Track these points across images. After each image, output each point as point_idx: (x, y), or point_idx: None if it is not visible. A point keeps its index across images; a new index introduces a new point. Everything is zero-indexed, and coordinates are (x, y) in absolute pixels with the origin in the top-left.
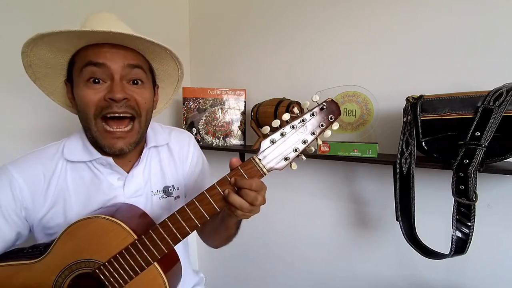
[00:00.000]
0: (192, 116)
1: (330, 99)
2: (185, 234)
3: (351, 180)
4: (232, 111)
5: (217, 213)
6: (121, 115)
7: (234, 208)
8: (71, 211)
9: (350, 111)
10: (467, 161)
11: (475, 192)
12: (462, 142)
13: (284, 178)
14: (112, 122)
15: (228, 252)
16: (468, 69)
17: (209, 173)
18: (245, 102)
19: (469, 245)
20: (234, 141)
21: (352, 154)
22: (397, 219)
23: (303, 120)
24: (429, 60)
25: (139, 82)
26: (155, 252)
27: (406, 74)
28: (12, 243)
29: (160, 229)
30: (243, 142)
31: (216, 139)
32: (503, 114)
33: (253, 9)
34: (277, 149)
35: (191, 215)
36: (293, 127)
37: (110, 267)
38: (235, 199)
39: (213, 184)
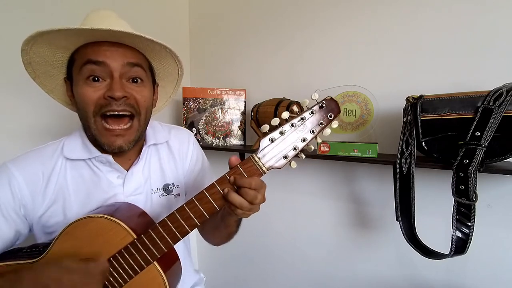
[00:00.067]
0: (192, 116)
1: (329, 97)
2: (184, 233)
3: (351, 180)
4: (232, 111)
5: (217, 212)
6: (120, 113)
7: (234, 207)
8: (71, 209)
9: (350, 111)
10: (467, 161)
11: (475, 192)
12: (462, 142)
13: (284, 178)
14: (111, 120)
15: (228, 252)
16: (468, 69)
17: (209, 171)
18: (245, 102)
19: (469, 245)
20: (234, 141)
21: (352, 154)
22: (397, 219)
23: (302, 119)
24: (429, 60)
25: (139, 80)
26: (154, 251)
27: (406, 74)
28: (12, 242)
29: (160, 228)
30: (243, 142)
31: (216, 139)
32: (503, 114)
33: (253, 9)
34: (277, 148)
35: (191, 214)
36: (292, 125)
37: (109, 267)
38: (235, 198)
39: (213, 183)
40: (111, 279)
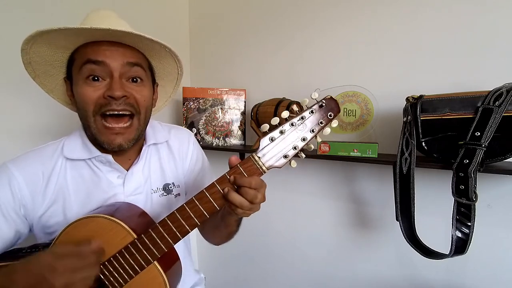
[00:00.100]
0: (192, 116)
1: (329, 97)
2: (185, 233)
3: (351, 180)
4: (232, 111)
5: (217, 212)
6: (120, 112)
7: (234, 206)
8: (71, 209)
9: (350, 111)
10: (467, 161)
11: (475, 192)
12: (462, 142)
13: (284, 177)
14: (111, 119)
15: (228, 252)
16: (468, 69)
17: (209, 170)
18: (245, 102)
19: (469, 245)
20: (234, 141)
21: (352, 154)
22: (397, 219)
23: (302, 118)
24: (429, 60)
25: (139, 80)
26: (155, 251)
27: (406, 74)
28: (12, 242)
29: (160, 228)
30: (243, 142)
31: (216, 139)
32: (503, 114)
33: (253, 9)
34: (277, 147)
35: (191, 213)
36: (292, 124)
37: (110, 267)
38: (235, 197)
39: (213, 182)
40: (112, 279)
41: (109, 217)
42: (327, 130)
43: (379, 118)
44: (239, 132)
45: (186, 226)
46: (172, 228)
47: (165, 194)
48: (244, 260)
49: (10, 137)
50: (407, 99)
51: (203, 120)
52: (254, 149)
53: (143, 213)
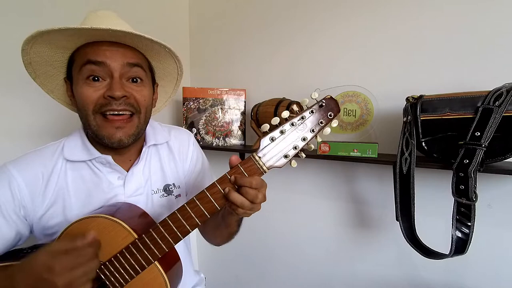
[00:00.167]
0: (192, 116)
1: (329, 96)
2: (185, 233)
3: (351, 180)
4: (232, 111)
5: (218, 211)
6: (120, 112)
7: (235, 206)
8: (71, 210)
9: (350, 111)
10: (467, 161)
11: (475, 192)
12: (462, 142)
13: (285, 177)
14: (111, 117)
15: (228, 252)
16: (468, 69)
17: (209, 171)
18: (245, 102)
19: (469, 245)
20: (234, 141)
21: (352, 154)
22: (397, 219)
23: (302, 118)
24: (429, 60)
25: (139, 80)
26: (155, 251)
27: (406, 74)
28: (13, 243)
29: (161, 228)
30: (243, 142)
31: (216, 139)
32: (503, 114)
33: (253, 9)
34: (277, 147)
35: (192, 213)
36: (292, 124)
37: (110, 267)
38: (236, 197)
39: (213, 182)
40: (112, 279)
41: (110, 217)
42: (327, 130)
43: (379, 118)
44: (239, 132)
45: (187, 226)
46: (173, 228)
47: (165, 195)
48: (244, 260)
49: (10, 137)
50: (407, 99)
51: (203, 120)
52: (254, 149)
53: (144, 214)
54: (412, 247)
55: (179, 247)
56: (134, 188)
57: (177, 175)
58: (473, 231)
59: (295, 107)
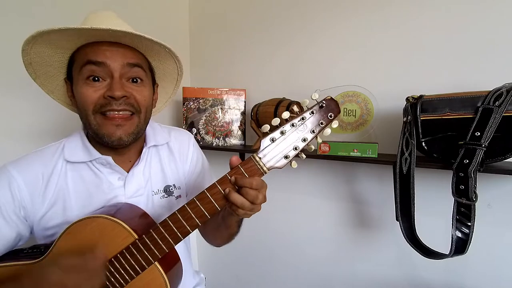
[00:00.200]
0: (192, 116)
1: (329, 97)
2: (186, 233)
3: (351, 180)
4: (232, 111)
5: (218, 212)
6: (120, 112)
7: (235, 207)
8: (71, 211)
9: (350, 111)
10: (467, 161)
11: (475, 192)
12: (462, 142)
13: (285, 178)
14: (111, 114)
15: (228, 252)
16: (468, 69)
17: (209, 172)
18: (245, 102)
19: (469, 245)
20: (234, 141)
21: (352, 154)
22: (397, 219)
23: (302, 118)
24: (429, 60)
25: (139, 80)
26: (156, 251)
27: (406, 74)
28: (13, 244)
29: (161, 229)
30: (243, 142)
31: (216, 139)
32: (503, 114)
33: (253, 9)
34: (277, 148)
35: (192, 214)
36: (293, 125)
37: (111, 267)
38: (236, 198)
39: (214, 183)
40: (113, 279)
41: (111, 217)
42: (328, 131)
43: (379, 118)
44: (239, 132)
45: (187, 226)
46: (173, 228)
47: (166, 196)
48: (244, 260)
49: (10, 137)
50: (407, 99)
51: (203, 120)
52: (254, 149)
53: (145, 214)
54: (412, 247)
55: (179, 247)
56: (135, 189)
57: (178, 176)
58: (473, 231)
59: (295, 108)
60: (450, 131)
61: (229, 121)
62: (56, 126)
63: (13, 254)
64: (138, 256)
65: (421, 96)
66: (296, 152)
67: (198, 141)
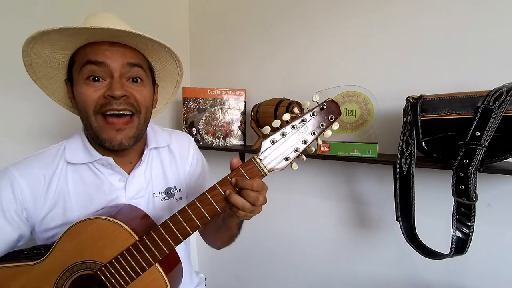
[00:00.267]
0: (192, 116)
1: (330, 99)
2: (186, 235)
3: (351, 180)
4: (232, 111)
5: (218, 214)
6: (121, 112)
7: (236, 208)
8: (71, 212)
9: (350, 111)
10: (467, 161)
11: (475, 192)
12: (462, 142)
13: (284, 178)
14: (112, 118)
15: (228, 253)
16: (468, 69)
17: (209, 174)
18: (245, 102)
19: (469, 245)
20: (234, 141)
21: (352, 154)
22: (397, 219)
23: (303, 120)
24: (429, 60)
25: (139, 80)
26: (156, 253)
27: (406, 74)
28: (14, 244)
29: (162, 230)
30: (243, 142)
31: (216, 139)
32: (503, 114)
33: (253, 9)
34: (278, 149)
35: (192, 215)
36: (293, 127)
37: (111, 268)
38: (237, 199)
39: (214, 185)
40: (113, 281)
41: (111, 218)
42: (328, 133)
43: (379, 118)
44: (239, 132)
45: (188, 228)
46: (174, 230)
47: (167, 198)
48: (245, 260)
49: (10, 137)
50: (407, 99)
51: (203, 120)
52: (254, 149)
53: (145, 215)
54: (412, 247)
55: (179, 248)
56: (135, 190)
57: (178, 177)
58: (473, 231)
59: (296, 110)
60: (450, 131)
61: (229, 121)
62: (56, 126)
63: (13, 255)
64: (139, 257)
65: (421, 96)
66: (297, 154)
67: (198, 141)
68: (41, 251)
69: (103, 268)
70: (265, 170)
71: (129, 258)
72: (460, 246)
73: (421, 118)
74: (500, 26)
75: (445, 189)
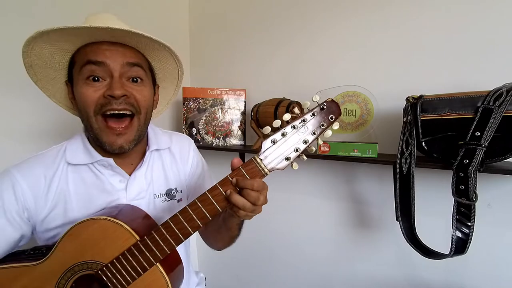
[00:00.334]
0: (192, 116)
1: (330, 99)
2: (187, 235)
3: (351, 180)
4: (232, 111)
5: (219, 214)
6: (121, 112)
7: (237, 208)
8: (72, 212)
9: (350, 111)
10: (467, 161)
11: (475, 192)
12: (462, 142)
13: (285, 178)
14: (112, 121)
15: (228, 252)
16: (468, 69)
17: (209, 175)
18: (245, 102)
19: (469, 245)
20: (234, 141)
21: (352, 154)
22: (397, 219)
23: (303, 120)
24: (429, 60)
25: (139, 80)
26: (157, 253)
27: (406, 74)
28: (15, 244)
29: (163, 230)
30: (243, 142)
31: (216, 139)
32: (503, 114)
33: (253, 9)
34: (278, 149)
35: (193, 215)
36: (294, 127)
37: (112, 268)
38: (237, 199)
39: (215, 185)
40: (114, 281)
41: (112, 219)
42: (329, 133)
43: (379, 118)
44: (239, 132)
45: (189, 228)
46: (175, 230)
47: (167, 199)
48: (245, 260)
49: (10, 137)
50: (407, 99)
51: (203, 120)
52: (254, 149)
53: (146, 216)
54: (412, 247)
55: (179, 248)
56: (136, 191)
57: (179, 179)
58: (473, 231)
59: (296, 110)
60: (450, 131)
61: (229, 121)
62: (56, 126)
63: (15, 255)
64: (140, 257)
65: (421, 96)
66: (297, 154)
67: (198, 141)
68: (43, 251)
69: (104, 268)
70: (266, 170)
71: (130, 258)
72: (460, 246)
73: (421, 118)
74: (500, 26)
75: (445, 189)
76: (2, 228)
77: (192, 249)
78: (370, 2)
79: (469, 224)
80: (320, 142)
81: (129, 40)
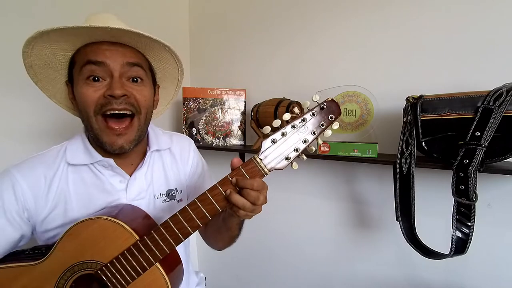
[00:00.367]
0: (192, 116)
1: (330, 99)
2: (187, 235)
3: (351, 180)
4: (232, 111)
5: (219, 214)
6: (121, 112)
7: (237, 208)
8: (72, 212)
9: (350, 111)
10: (467, 161)
11: (475, 192)
12: (462, 142)
13: (284, 178)
14: (112, 121)
15: (228, 252)
16: (468, 69)
17: (208, 175)
18: (245, 102)
19: (469, 245)
20: (234, 141)
21: (352, 154)
22: (397, 219)
23: (303, 120)
24: (429, 60)
25: (139, 80)
26: (157, 252)
27: (406, 74)
28: (15, 244)
29: (162, 230)
30: (243, 142)
31: (216, 139)
32: (503, 114)
33: (254, 9)
34: (278, 149)
35: (193, 215)
36: (293, 126)
37: (112, 268)
38: (237, 199)
39: (215, 184)
40: (114, 280)
41: (112, 219)
42: (328, 133)
43: (379, 118)
44: (239, 132)
45: (188, 227)
46: (175, 230)
47: (168, 200)
48: (245, 260)
49: (10, 137)
50: (407, 99)
51: (203, 120)
52: (254, 149)
53: (146, 216)
54: (412, 247)
55: (178, 247)
56: (137, 192)
57: (179, 179)
58: (473, 231)
59: (296, 109)
60: (450, 131)
61: (229, 121)
62: (56, 127)
63: (15, 255)
64: (139, 257)
65: (421, 96)
66: (297, 153)
67: (198, 141)
68: (42, 251)
69: (104, 268)
70: (266, 170)
71: (130, 258)
72: (460, 246)
73: (421, 118)
74: (500, 26)
75: (445, 189)
76: (2, 228)
77: (192, 249)
78: (370, 2)
79: (469, 224)
80: (320, 142)
81: (129, 40)
